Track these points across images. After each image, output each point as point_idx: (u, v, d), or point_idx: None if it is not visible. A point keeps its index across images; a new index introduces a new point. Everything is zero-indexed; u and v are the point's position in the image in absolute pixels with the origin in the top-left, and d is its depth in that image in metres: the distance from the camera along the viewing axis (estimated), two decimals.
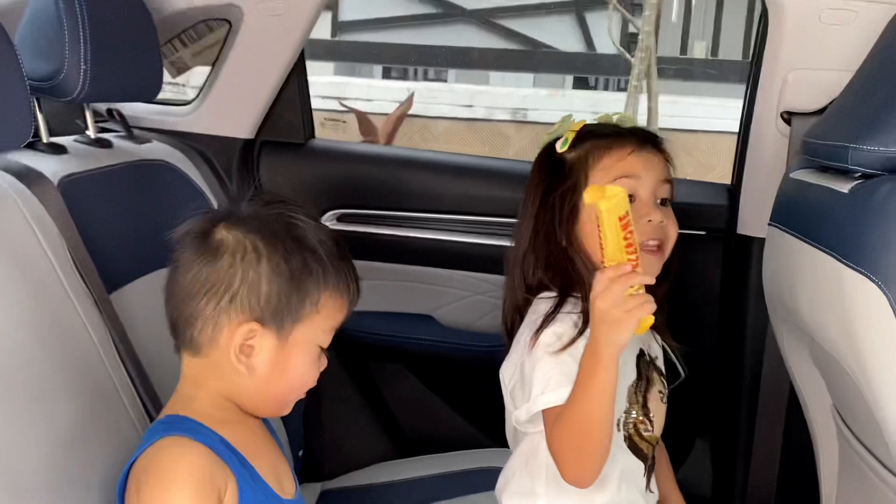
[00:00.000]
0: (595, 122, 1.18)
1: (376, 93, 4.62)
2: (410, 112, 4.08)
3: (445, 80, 6.03)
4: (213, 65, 1.70)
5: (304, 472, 1.58)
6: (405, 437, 1.81)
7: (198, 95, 1.74)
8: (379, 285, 1.81)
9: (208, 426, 0.87)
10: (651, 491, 1.16)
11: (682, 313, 1.67)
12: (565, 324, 1.08)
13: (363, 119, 3.67)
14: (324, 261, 0.90)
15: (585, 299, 1.08)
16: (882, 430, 1.01)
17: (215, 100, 1.69)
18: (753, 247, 1.57)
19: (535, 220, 1.13)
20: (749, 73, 1.59)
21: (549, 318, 1.08)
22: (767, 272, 1.40)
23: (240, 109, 1.70)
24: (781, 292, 1.33)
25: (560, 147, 1.13)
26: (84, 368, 0.99)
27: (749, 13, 5.25)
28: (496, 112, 4.53)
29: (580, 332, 1.05)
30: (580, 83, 6.06)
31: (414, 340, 1.79)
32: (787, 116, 1.49)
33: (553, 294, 1.11)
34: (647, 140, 1.14)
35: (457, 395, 1.85)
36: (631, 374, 1.12)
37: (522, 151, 4.36)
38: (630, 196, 1.06)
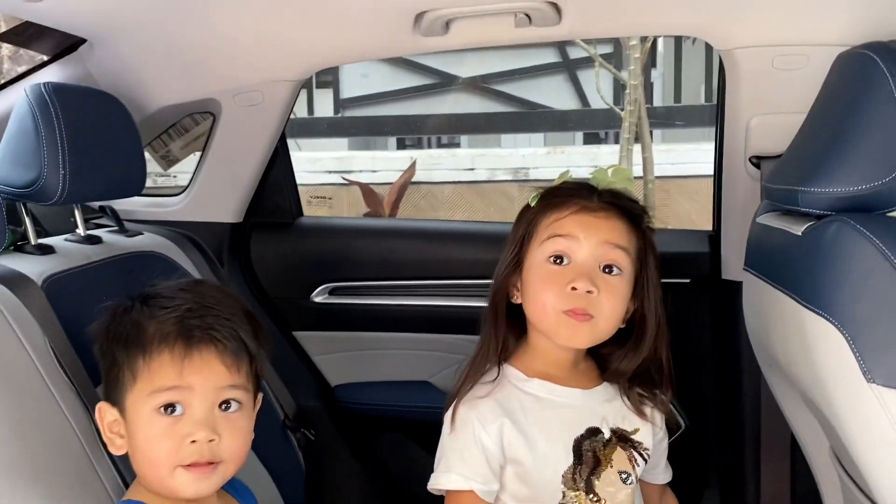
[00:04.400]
0: (590, 175, 1.16)
1: (380, 164, 4.73)
2: (415, 179, 4.16)
3: (458, 146, 6.15)
4: (201, 155, 1.77)
5: None
6: None
7: (188, 185, 1.81)
8: (375, 355, 1.83)
9: None
10: None
11: (676, 362, 1.69)
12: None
13: (366, 190, 3.74)
14: (125, 330, 0.93)
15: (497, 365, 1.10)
16: (860, 471, 1.00)
17: (204, 188, 1.76)
18: (738, 291, 1.57)
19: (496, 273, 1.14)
20: (716, 120, 1.63)
21: (459, 392, 1.10)
22: (748, 317, 1.41)
23: (227, 195, 1.76)
24: (760, 336, 1.33)
25: (531, 202, 1.13)
26: (67, 465, 1.02)
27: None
28: (498, 173, 4.61)
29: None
30: (590, 139, 6.15)
31: (412, 409, 1.80)
32: (756, 161, 1.51)
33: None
34: (613, 205, 1.09)
35: None
36: (564, 460, 1.07)
37: None
38: (559, 258, 1.07)
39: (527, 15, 1.39)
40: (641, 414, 1.13)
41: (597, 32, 1.62)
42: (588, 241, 1.06)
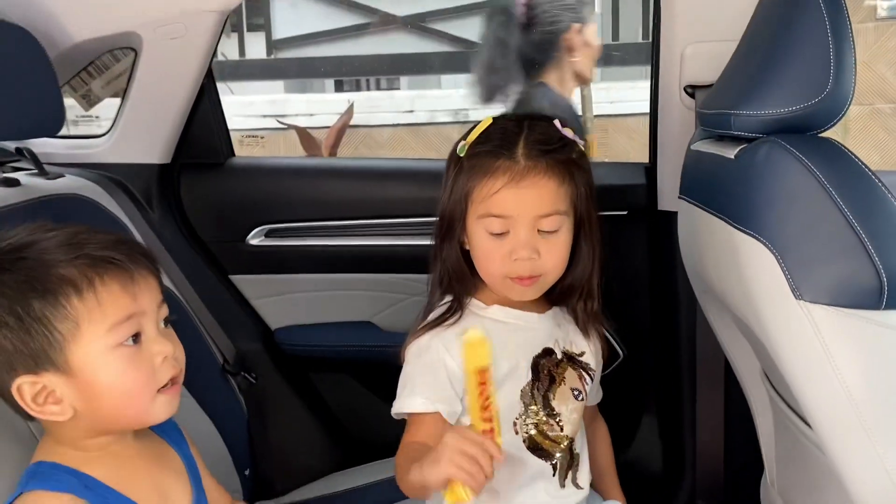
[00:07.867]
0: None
1: (316, 107, 4.62)
2: (353, 122, 4.08)
3: (398, 88, 6.02)
4: (123, 93, 1.69)
5: (255, 490, 1.57)
6: (355, 445, 1.81)
7: (112, 125, 1.73)
8: (315, 297, 1.81)
9: (72, 467, 0.86)
10: (579, 486, 1.16)
11: (613, 293, 1.71)
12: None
13: (304, 134, 3.66)
14: (33, 279, 0.81)
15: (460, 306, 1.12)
16: (790, 387, 1.04)
17: (128, 128, 1.68)
18: (674, 221, 1.59)
19: (440, 218, 1.14)
20: (651, 51, 1.62)
21: (427, 326, 1.12)
22: (682, 245, 1.43)
23: (154, 135, 1.69)
24: (695, 263, 1.35)
25: (459, 152, 1.11)
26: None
27: None
28: (438, 115, 4.55)
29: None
30: None
31: (355, 348, 1.79)
32: (691, 90, 1.52)
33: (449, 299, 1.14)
34: (540, 159, 1.06)
35: None
36: (524, 377, 1.12)
37: None
38: (502, 233, 1.07)
39: None
40: (586, 332, 1.19)
41: None
42: (522, 217, 1.06)
